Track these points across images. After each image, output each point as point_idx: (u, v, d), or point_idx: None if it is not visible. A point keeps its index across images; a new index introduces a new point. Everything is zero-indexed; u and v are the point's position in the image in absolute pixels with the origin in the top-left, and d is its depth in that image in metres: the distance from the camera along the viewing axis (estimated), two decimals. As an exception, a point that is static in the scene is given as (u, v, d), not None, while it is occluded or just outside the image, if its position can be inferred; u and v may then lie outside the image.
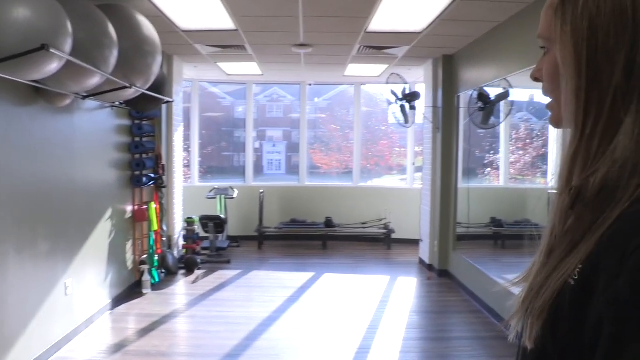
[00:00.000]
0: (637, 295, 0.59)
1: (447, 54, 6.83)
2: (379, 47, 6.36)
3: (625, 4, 0.69)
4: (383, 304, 5.85)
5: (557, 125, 0.82)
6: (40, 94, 3.89)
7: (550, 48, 0.80)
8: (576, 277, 0.68)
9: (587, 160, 0.74)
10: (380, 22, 5.17)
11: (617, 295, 0.61)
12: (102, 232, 5.26)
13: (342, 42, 6.12)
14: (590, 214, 0.71)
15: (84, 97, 4.32)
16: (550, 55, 0.80)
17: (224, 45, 6.29)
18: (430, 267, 7.26)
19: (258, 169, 10.55)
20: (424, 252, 7.54)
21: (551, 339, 0.71)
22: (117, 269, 5.61)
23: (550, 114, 0.84)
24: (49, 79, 3.38)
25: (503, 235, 5.95)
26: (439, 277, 6.96)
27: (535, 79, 0.85)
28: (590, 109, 0.73)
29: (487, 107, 5.57)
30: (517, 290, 0.81)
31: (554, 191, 0.79)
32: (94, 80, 3.69)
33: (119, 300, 5.58)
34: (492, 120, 5.67)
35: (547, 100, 0.84)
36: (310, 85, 9.69)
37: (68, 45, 3.13)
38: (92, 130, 4.96)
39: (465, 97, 6.37)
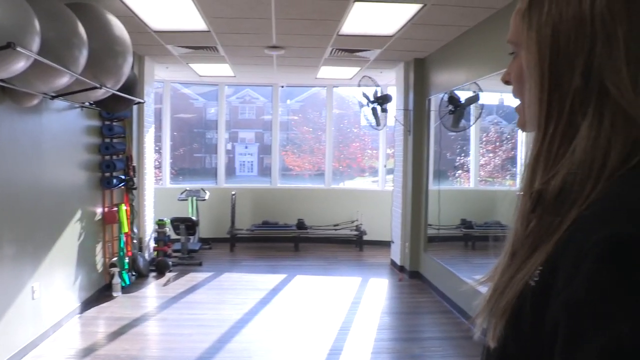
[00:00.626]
0: (591, 295, 0.59)
1: (418, 58, 6.90)
2: (351, 49, 6.39)
3: (585, 12, 0.72)
4: (355, 305, 5.88)
5: (523, 128, 0.84)
6: (6, 93, 3.81)
7: (518, 52, 0.83)
8: (537, 279, 0.69)
9: (548, 163, 0.76)
10: (352, 25, 5.20)
11: (572, 295, 0.62)
12: (71, 235, 5.18)
13: (314, 45, 6.14)
14: (550, 216, 0.73)
15: (53, 97, 4.25)
16: (517, 60, 0.83)
17: (196, 46, 6.26)
18: (401, 269, 7.32)
19: (230, 171, 10.51)
20: (396, 253, 7.59)
21: (513, 339, 0.73)
22: (87, 272, 5.52)
23: (518, 116, 0.86)
24: (16, 78, 3.32)
25: (473, 237, 6.03)
26: (410, 278, 7.02)
27: (506, 82, 0.86)
28: (552, 112, 0.76)
29: (457, 110, 5.65)
30: (484, 289, 0.82)
31: (519, 193, 0.81)
32: (63, 80, 3.64)
33: (88, 303, 5.50)
34: (463, 123, 5.75)
35: (517, 103, 0.86)
36: (282, 87, 9.69)
37: (36, 44, 3.08)
38: (60, 131, 4.87)
39: (436, 100, 6.44)
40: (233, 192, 9.00)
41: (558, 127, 0.75)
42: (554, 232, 0.70)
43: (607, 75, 0.71)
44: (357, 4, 4.50)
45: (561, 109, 0.75)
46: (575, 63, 0.73)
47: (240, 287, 6.60)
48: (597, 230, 0.63)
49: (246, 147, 11.25)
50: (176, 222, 7.64)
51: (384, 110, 6.89)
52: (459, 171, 6.88)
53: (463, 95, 5.64)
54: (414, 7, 4.63)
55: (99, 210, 5.90)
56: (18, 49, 2.86)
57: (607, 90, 0.71)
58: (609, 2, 0.72)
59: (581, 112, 0.72)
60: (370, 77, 6.70)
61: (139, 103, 6.10)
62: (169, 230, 7.57)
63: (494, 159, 6.15)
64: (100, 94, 4.31)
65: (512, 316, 0.72)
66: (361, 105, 6.92)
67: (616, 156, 0.70)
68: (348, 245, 9.07)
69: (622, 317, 0.56)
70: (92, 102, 4.94)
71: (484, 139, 6.26)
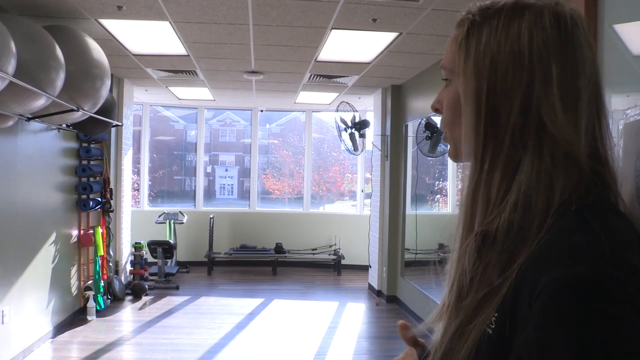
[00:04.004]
0: (545, 337, 0.60)
1: (395, 84, 7.01)
2: (330, 75, 6.48)
3: (523, 46, 0.73)
4: (332, 329, 5.87)
5: (455, 158, 0.84)
6: (-18, 115, 3.80)
7: (452, 80, 0.82)
8: (493, 327, 0.69)
9: (488, 197, 0.75)
10: (330, 51, 5.29)
11: (529, 339, 0.62)
12: (45, 257, 5.11)
13: (292, 70, 6.21)
14: (498, 258, 0.72)
15: (29, 119, 4.24)
16: (452, 87, 0.82)
17: (175, 70, 6.29)
18: (379, 293, 7.33)
19: (210, 194, 10.49)
20: (373, 278, 7.60)
21: None
22: (61, 295, 5.45)
23: (449, 147, 0.84)
24: (-8, 100, 3.32)
25: (450, 261, 6.04)
26: (388, 302, 7.03)
27: (436, 110, 0.85)
28: (489, 144, 0.75)
29: (434, 136, 5.73)
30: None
31: (460, 229, 0.79)
32: (39, 102, 3.64)
33: (61, 327, 5.41)
34: (441, 148, 5.83)
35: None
36: (262, 111, 9.74)
37: (11, 65, 3.09)
38: (36, 153, 4.85)
39: (414, 125, 6.53)
40: (211, 216, 8.97)
41: (497, 160, 0.75)
42: (506, 275, 0.70)
43: (544, 111, 0.71)
44: (334, 31, 4.58)
45: (499, 141, 0.74)
46: (513, 96, 0.72)
47: (217, 311, 6.56)
48: (545, 272, 0.63)
49: (226, 170, 11.23)
50: (153, 245, 7.58)
51: (362, 136, 6.96)
52: (438, 195, 6.94)
53: (440, 121, 5.72)
54: (390, 36, 4.72)
55: (75, 232, 5.85)
56: (-7, 71, 2.87)
57: (545, 125, 0.71)
58: (545, 38, 0.73)
59: (522, 146, 0.72)
60: (348, 103, 6.79)
61: (116, 126, 6.10)
62: (145, 253, 7.51)
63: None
64: (78, 116, 4.32)
65: None
66: (339, 130, 6.99)
67: (560, 193, 0.70)
68: (326, 270, 9.07)
69: (576, 354, 0.58)
70: (69, 124, 4.93)
71: (462, 163, 6.33)
